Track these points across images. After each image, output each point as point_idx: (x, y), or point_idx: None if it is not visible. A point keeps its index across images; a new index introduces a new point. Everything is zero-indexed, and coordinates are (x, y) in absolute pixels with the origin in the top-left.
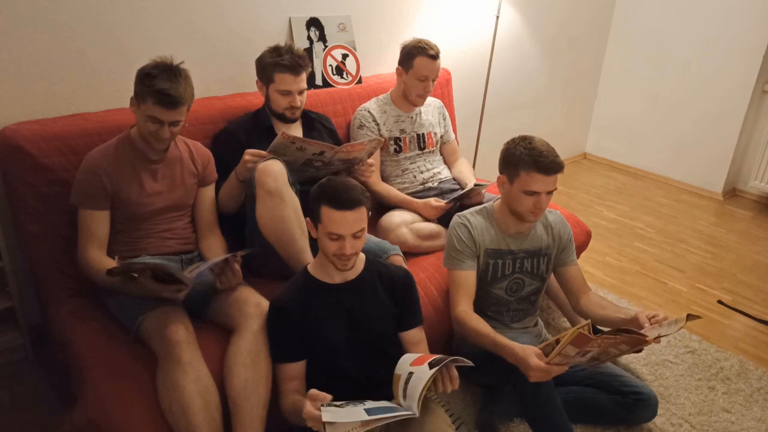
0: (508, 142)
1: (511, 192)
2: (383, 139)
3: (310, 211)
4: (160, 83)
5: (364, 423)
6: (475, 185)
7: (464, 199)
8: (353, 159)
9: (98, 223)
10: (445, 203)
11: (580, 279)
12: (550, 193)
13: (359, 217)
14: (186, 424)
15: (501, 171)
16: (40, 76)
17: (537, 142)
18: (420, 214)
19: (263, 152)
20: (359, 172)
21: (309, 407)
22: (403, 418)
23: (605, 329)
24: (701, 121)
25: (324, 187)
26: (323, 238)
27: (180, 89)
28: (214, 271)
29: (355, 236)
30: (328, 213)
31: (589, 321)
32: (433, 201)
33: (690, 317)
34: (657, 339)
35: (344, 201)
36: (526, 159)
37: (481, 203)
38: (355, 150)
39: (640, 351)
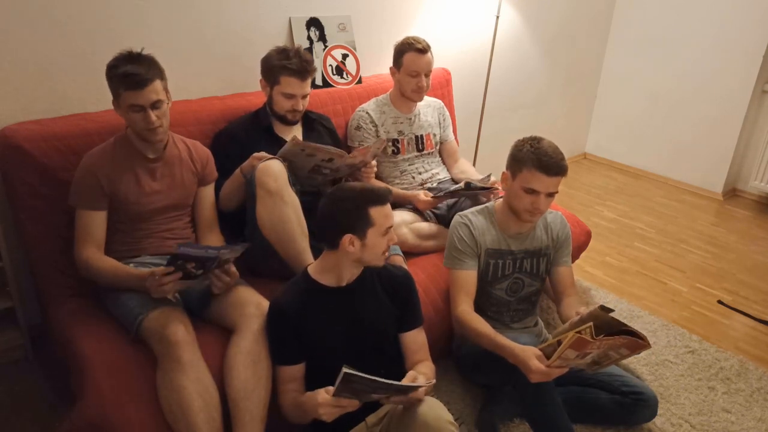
0: (517, 141)
1: (513, 188)
2: (385, 141)
3: (351, 223)
4: (122, 68)
5: (382, 384)
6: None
7: (479, 196)
8: (359, 163)
9: (95, 223)
10: (449, 192)
11: (569, 282)
12: (550, 195)
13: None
14: (186, 424)
15: (507, 167)
16: (40, 75)
17: (545, 143)
18: (416, 207)
19: (273, 156)
20: (365, 175)
21: (324, 393)
22: (419, 387)
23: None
24: (701, 121)
25: (367, 190)
26: (381, 241)
27: (143, 68)
28: (221, 260)
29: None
30: (381, 210)
31: (590, 324)
32: (422, 194)
33: (603, 309)
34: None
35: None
36: (530, 157)
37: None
38: (362, 154)
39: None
